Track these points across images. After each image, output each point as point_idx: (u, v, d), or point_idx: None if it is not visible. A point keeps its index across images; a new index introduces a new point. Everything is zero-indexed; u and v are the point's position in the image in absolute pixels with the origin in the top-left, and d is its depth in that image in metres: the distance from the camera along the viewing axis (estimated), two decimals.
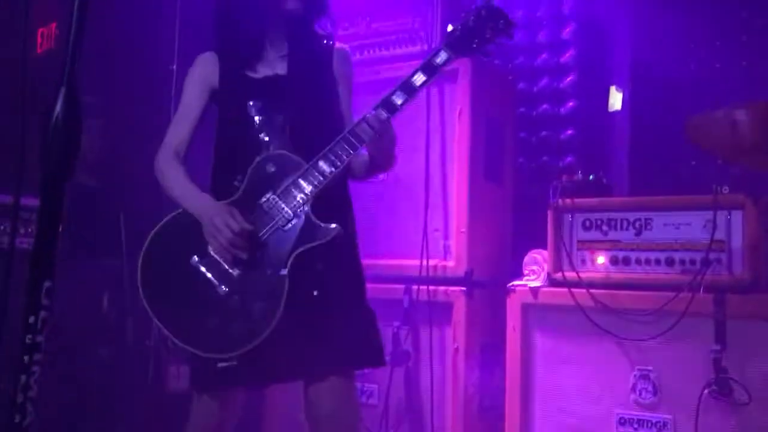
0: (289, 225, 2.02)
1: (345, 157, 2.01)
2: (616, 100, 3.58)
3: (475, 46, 2.06)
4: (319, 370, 2.08)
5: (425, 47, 3.19)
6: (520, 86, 3.76)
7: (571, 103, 3.69)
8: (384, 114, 2.01)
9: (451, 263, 3.03)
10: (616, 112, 3.59)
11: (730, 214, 2.53)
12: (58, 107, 1.10)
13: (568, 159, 3.66)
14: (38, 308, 1.07)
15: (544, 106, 3.75)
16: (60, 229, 1.09)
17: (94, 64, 3.52)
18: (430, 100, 3.13)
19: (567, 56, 3.72)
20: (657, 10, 3.56)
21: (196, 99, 2.19)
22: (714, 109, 2.25)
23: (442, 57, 2.05)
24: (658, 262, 2.64)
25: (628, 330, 2.60)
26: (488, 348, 3.00)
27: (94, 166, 3.48)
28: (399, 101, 2.03)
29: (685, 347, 2.52)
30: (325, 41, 2.27)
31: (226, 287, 2.02)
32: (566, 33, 3.74)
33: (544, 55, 3.78)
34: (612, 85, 3.61)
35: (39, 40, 3.66)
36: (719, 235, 2.53)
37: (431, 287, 2.99)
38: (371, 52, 3.35)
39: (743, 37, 3.59)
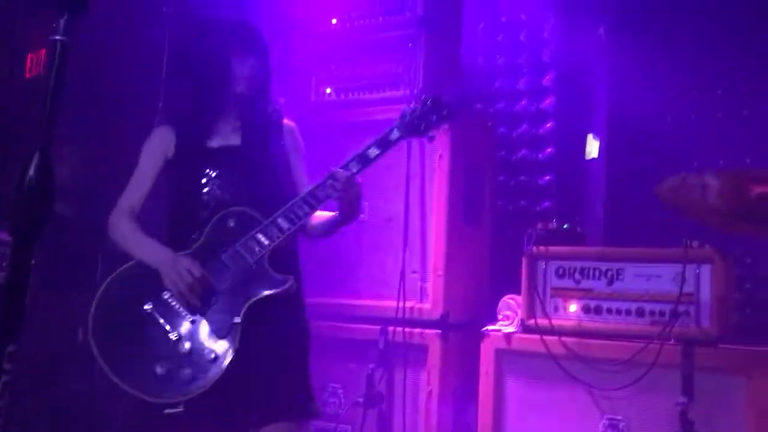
0: (246, 276, 2.15)
1: (303, 215, 2.20)
2: (593, 147, 3.66)
3: (422, 128, 2.35)
4: (265, 421, 2.15)
5: (407, 92, 3.26)
6: (500, 131, 3.83)
7: (549, 149, 3.77)
8: (346, 172, 2.23)
9: (427, 305, 3.06)
10: (592, 160, 3.67)
11: (699, 268, 2.59)
12: (32, 171, 1.13)
13: (546, 204, 3.72)
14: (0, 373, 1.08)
15: (523, 151, 3.83)
16: (28, 285, 1.11)
17: (79, 94, 3.58)
18: (411, 144, 3.18)
19: (546, 103, 3.81)
20: (635, 61, 3.66)
21: (151, 167, 2.37)
22: (686, 170, 2.31)
23: (394, 135, 2.34)
24: (628, 312, 2.69)
25: (598, 379, 2.64)
26: (462, 391, 3.02)
27: (74, 196, 3.50)
28: (354, 169, 2.27)
29: (653, 398, 2.56)
30: (275, 116, 2.48)
31: (177, 334, 2.11)
32: (546, 80, 3.82)
33: (523, 102, 3.86)
34: (589, 133, 3.69)
35: (28, 65, 3.70)
36: (688, 288, 2.58)
37: (407, 329, 3.02)
38: (355, 94, 3.41)
39: (719, 90, 3.70)
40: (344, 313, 3.21)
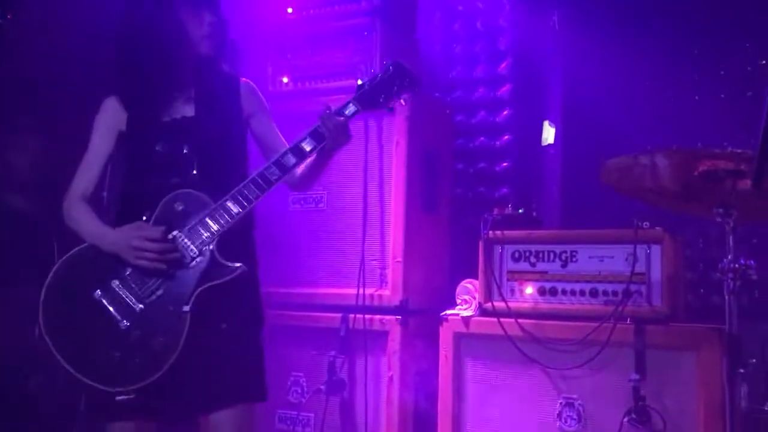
0: (194, 263, 2.08)
1: (253, 199, 2.10)
2: (549, 134, 3.71)
3: (381, 100, 2.21)
4: (216, 406, 2.12)
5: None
6: (458, 119, 3.86)
7: (506, 137, 3.81)
8: (292, 159, 2.14)
9: (387, 292, 3.09)
10: (549, 146, 3.72)
11: (649, 248, 2.65)
12: None
13: (504, 190, 3.77)
14: None
15: (481, 138, 3.86)
16: None
17: (37, 81, 3.51)
18: (369, 132, 3.20)
19: (503, 91, 3.85)
20: (589, 48, 3.71)
21: (103, 144, 2.25)
22: (632, 152, 2.35)
23: (350, 109, 2.19)
24: (582, 293, 2.74)
25: (554, 359, 2.69)
26: (422, 376, 3.05)
27: (29, 187, 3.44)
28: (308, 148, 2.16)
29: (607, 376, 2.62)
30: (231, 80, 2.34)
31: (127, 322, 2.07)
32: (502, 68, 3.86)
33: (481, 90, 3.89)
34: (545, 119, 3.74)
35: None
36: (639, 267, 2.64)
37: (367, 316, 3.04)
38: (311, 83, 3.41)
39: (670, 76, 3.77)
40: (305, 302, 3.22)
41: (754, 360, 2.08)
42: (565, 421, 2.66)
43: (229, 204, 2.09)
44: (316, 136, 2.16)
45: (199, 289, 2.06)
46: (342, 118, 2.15)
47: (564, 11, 3.79)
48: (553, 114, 3.76)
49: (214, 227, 2.08)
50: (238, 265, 2.09)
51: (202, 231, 2.08)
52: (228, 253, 2.10)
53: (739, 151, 1.86)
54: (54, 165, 3.47)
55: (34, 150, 3.51)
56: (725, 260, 1.79)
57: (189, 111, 2.24)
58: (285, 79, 3.49)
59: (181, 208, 2.10)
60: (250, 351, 2.23)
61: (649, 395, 2.51)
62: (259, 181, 2.11)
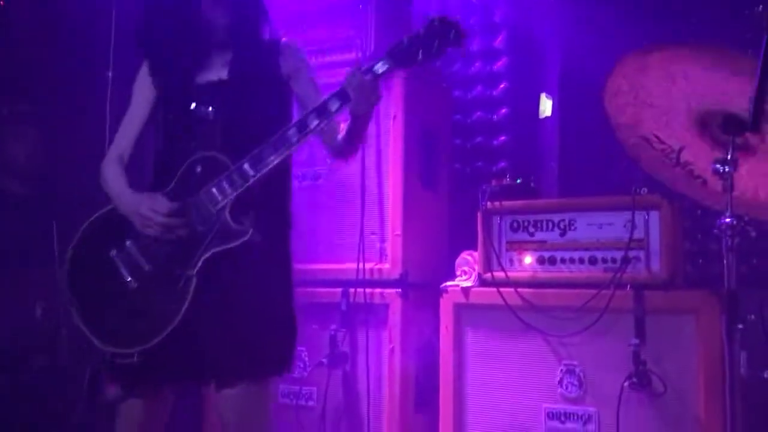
0: (206, 226, 2.04)
1: (270, 161, 2.03)
2: (546, 107, 3.70)
3: (420, 57, 1.98)
4: (228, 375, 2.07)
5: (360, 54, 3.26)
6: (455, 94, 3.85)
7: (503, 110, 3.81)
8: (315, 120, 2.03)
9: (386, 266, 3.10)
10: (546, 119, 3.71)
11: (648, 214, 2.66)
12: None
13: (502, 164, 3.77)
14: None
15: (478, 113, 3.86)
16: None
17: (30, 70, 3.52)
18: None
19: (499, 64, 3.84)
20: (586, 20, 3.70)
21: (139, 107, 2.26)
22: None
23: (381, 66, 2.02)
24: (581, 261, 2.75)
25: (554, 327, 2.71)
26: (423, 347, 3.07)
27: (27, 173, 3.45)
28: (333, 108, 2.05)
29: (607, 342, 2.63)
30: (269, 44, 2.29)
31: (135, 283, 2.07)
32: (498, 41, 3.85)
33: (477, 64, 3.89)
34: (542, 92, 3.73)
35: None
36: (638, 234, 2.65)
37: (367, 290, 3.05)
38: (309, 59, 3.39)
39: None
40: (305, 277, 3.21)
41: (752, 316, 2.09)
42: (566, 388, 2.67)
43: (246, 166, 2.02)
44: (341, 95, 2.03)
45: (208, 252, 2.02)
46: (369, 77, 1.99)
47: None
48: (550, 86, 3.76)
49: (229, 190, 2.03)
50: (247, 229, 2.03)
51: (217, 194, 2.04)
52: (244, 218, 2.05)
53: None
54: (51, 150, 3.49)
55: (33, 136, 3.52)
56: (723, 217, 1.79)
57: (224, 74, 2.20)
58: None
59: (200, 170, 2.07)
60: (270, 320, 2.14)
61: (650, 360, 2.52)
62: (278, 143, 2.03)
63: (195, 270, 2.02)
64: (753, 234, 1.78)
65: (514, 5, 3.83)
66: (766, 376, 2.53)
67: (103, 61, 3.27)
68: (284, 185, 2.28)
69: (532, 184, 3.02)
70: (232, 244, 2.03)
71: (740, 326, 1.71)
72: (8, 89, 3.49)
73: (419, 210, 3.20)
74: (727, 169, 1.73)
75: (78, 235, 2.15)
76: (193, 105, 2.15)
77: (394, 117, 3.15)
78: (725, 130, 1.88)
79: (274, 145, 2.04)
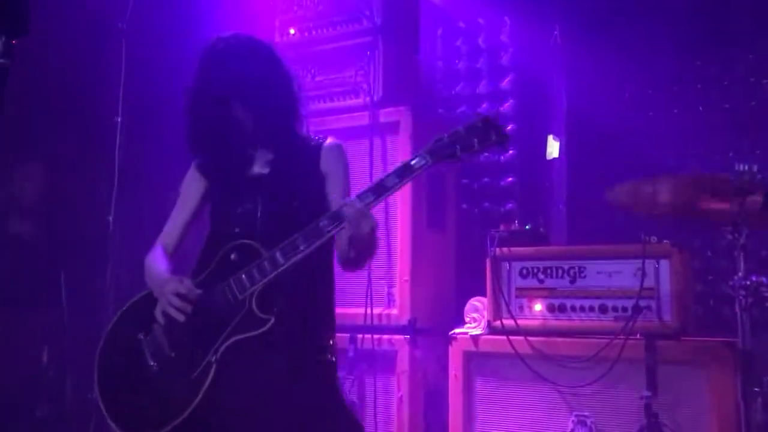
0: (232, 312, 2.00)
1: (302, 249, 1.96)
2: (553, 148, 3.71)
3: (458, 153, 1.94)
4: None
5: (367, 99, 3.28)
6: None
7: (511, 151, 3.81)
8: (358, 202, 1.95)
9: (394, 311, 3.08)
10: (554, 160, 3.72)
11: (658, 263, 2.64)
12: None
13: (509, 205, 3.76)
14: None
15: (486, 153, 3.86)
16: None
17: (38, 112, 3.55)
18: (373, 151, 3.21)
19: (506, 106, 3.85)
20: (591, 61, 3.72)
21: (185, 204, 2.31)
22: (644, 167, 2.34)
23: (418, 162, 1.95)
24: (592, 309, 2.73)
25: (565, 376, 2.68)
26: (432, 395, 3.04)
27: (34, 212, 3.46)
28: (368, 200, 1.95)
29: (619, 392, 2.60)
30: (313, 141, 2.29)
31: (157, 366, 2.05)
32: (505, 83, 3.87)
33: (484, 105, 3.90)
34: (549, 134, 3.74)
35: None
36: (648, 282, 2.63)
37: (375, 336, 3.03)
38: (316, 104, 3.41)
39: (674, 87, 3.78)
40: None
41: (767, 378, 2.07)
42: None
43: (278, 255, 1.98)
44: (377, 189, 1.96)
45: (230, 340, 1.98)
46: (359, 205, 1.93)
47: (565, 25, 3.79)
48: (557, 128, 3.76)
49: (258, 277, 1.99)
50: (269, 318, 1.97)
51: (246, 282, 2.00)
52: (270, 306, 2.00)
53: (743, 167, 1.85)
54: (60, 194, 3.50)
55: (40, 178, 3.54)
56: (736, 277, 1.77)
57: (265, 170, 2.22)
58: None
59: (234, 257, 2.05)
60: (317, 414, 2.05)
61: (662, 411, 2.48)
62: (309, 233, 1.98)
63: (215, 357, 1.98)
64: (767, 294, 1.76)
65: (521, 48, 3.86)
66: None
67: (111, 107, 3.29)
68: (323, 277, 2.22)
69: (541, 229, 3.01)
70: (253, 333, 1.98)
71: (756, 389, 1.67)
72: (21, 131, 3.52)
73: (427, 253, 3.19)
74: (737, 234, 1.71)
75: (116, 317, 2.17)
76: (236, 201, 2.17)
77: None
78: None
79: (305, 235, 1.99)
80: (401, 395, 2.96)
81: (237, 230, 2.12)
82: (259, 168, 2.23)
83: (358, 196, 1.96)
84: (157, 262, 2.20)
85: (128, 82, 3.28)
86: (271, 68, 2.23)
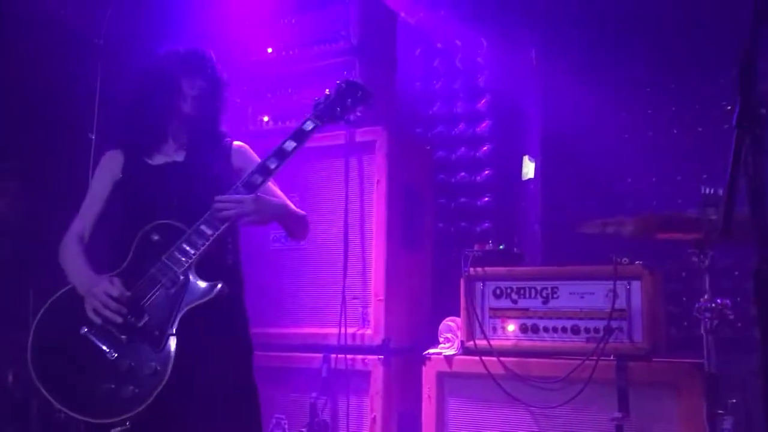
0: (175, 287, 2.14)
1: (227, 218, 2.18)
2: (529, 169, 3.73)
3: (338, 113, 2.37)
4: None
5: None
6: (439, 154, 3.88)
7: (487, 171, 3.83)
8: (259, 178, 2.22)
9: (368, 331, 3.06)
10: (529, 181, 3.74)
11: (629, 284, 2.65)
12: None
13: (485, 224, 3.77)
14: None
15: (462, 173, 3.88)
16: None
17: (12, 128, 3.51)
18: (349, 170, 3.21)
19: (483, 126, 3.88)
20: (567, 83, 3.76)
21: (99, 192, 2.39)
22: (620, 188, 2.37)
23: (308, 125, 2.33)
24: (564, 330, 2.73)
25: (537, 397, 2.67)
26: (406, 416, 3.02)
27: (4, 232, 3.41)
28: (272, 165, 2.25)
29: (591, 414, 2.60)
30: (224, 138, 2.49)
31: (116, 352, 2.10)
32: (482, 104, 3.90)
33: (461, 125, 3.93)
34: (525, 154, 3.77)
35: None
36: (620, 303, 2.64)
37: (349, 356, 3.01)
38: (292, 122, 3.40)
39: (649, 110, 3.82)
40: (285, 342, 3.19)
41: (734, 400, 2.07)
42: None
43: (204, 227, 2.17)
44: (279, 154, 2.27)
45: (182, 311, 2.11)
46: (243, 192, 2.21)
47: (541, 48, 3.84)
48: (533, 149, 3.79)
49: (191, 251, 2.15)
50: (217, 284, 2.14)
51: (180, 256, 2.15)
52: (208, 275, 2.16)
53: (694, 216, 1.87)
54: (32, 213, 3.46)
55: (14, 196, 3.50)
56: (702, 300, 1.78)
57: (180, 156, 2.39)
58: (265, 118, 3.50)
59: (157, 238, 2.19)
60: (242, 389, 2.26)
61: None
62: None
63: (174, 329, 2.09)
64: (731, 316, 1.77)
65: (497, 70, 3.89)
66: None
67: (86, 123, 3.28)
68: (236, 244, 2.38)
69: (515, 250, 3.02)
70: (204, 300, 2.13)
71: (721, 412, 1.68)
72: None
73: (402, 273, 3.18)
74: (702, 257, 1.73)
75: (37, 323, 2.18)
76: (150, 186, 2.31)
77: (378, 182, 3.15)
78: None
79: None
80: (374, 416, 2.94)
81: (151, 216, 2.23)
82: (173, 153, 2.39)
83: (263, 163, 2.25)
84: (78, 257, 2.26)
85: (103, 99, 3.26)
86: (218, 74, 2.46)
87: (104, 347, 2.10)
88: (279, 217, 2.38)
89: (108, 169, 2.40)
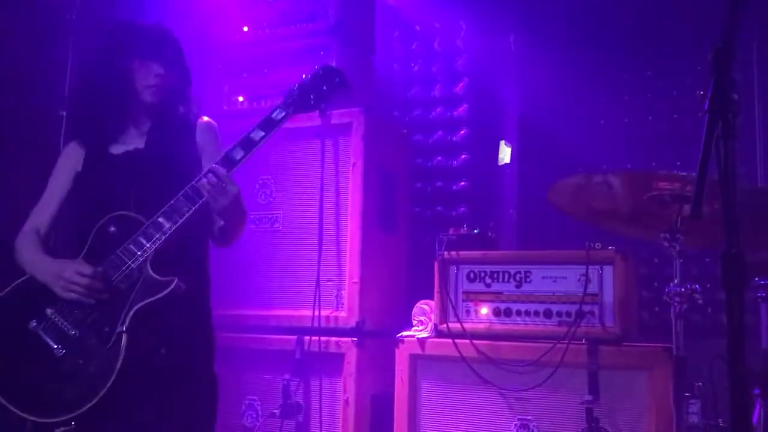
0: (129, 282, 2.05)
1: (185, 211, 2.07)
2: (505, 154, 3.74)
3: (312, 102, 2.21)
4: None
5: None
6: (416, 138, 3.87)
7: (463, 156, 3.83)
8: (222, 169, 2.08)
9: (343, 314, 3.06)
10: (505, 166, 3.75)
11: (602, 269, 2.67)
12: None
13: (461, 209, 3.78)
14: None
15: (438, 158, 3.88)
16: None
17: None
18: (325, 153, 3.18)
19: (460, 110, 3.87)
20: (544, 68, 3.76)
21: (59, 185, 2.29)
22: (586, 173, 2.37)
23: (278, 114, 2.19)
24: (537, 313, 2.75)
25: (509, 380, 2.69)
26: (379, 398, 3.03)
27: None
28: (238, 156, 2.13)
29: (562, 397, 2.63)
30: (187, 117, 2.37)
31: (63, 349, 2.03)
32: (459, 88, 3.89)
33: (438, 109, 3.92)
34: (502, 139, 3.77)
35: None
36: (592, 288, 2.66)
37: (323, 338, 3.00)
38: (268, 102, 3.38)
39: (625, 97, 3.85)
40: (259, 323, 3.18)
41: (700, 383, 2.10)
42: None
43: (161, 219, 2.07)
44: (245, 144, 2.15)
45: (135, 307, 2.02)
46: (218, 177, 2.08)
47: (520, 33, 3.84)
48: (510, 134, 3.80)
49: (147, 244, 2.06)
50: (171, 280, 2.04)
51: (135, 249, 2.06)
52: (167, 270, 2.07)
53: (684, 174, 1.89)
54: (5, 217, 3.39)
55: None
56: (672, 284, 1.80)
57: (141, 143, 2.27)
58: (240, 98, 3.47)
59: (113, 229, 2.10)
60: (198, 382, 2.18)
61: (603, 416, 2.52)
62: (190, 193, 2.08)
63: (124, 327, 2.00)
64: (700, 301, 1.79)
65: (475, 54, 3.88)
66: (720, 423, 2.54)
67: (56, 100, 3.21)
68: (201, 236, 2.29)
69: (490, 234, 3.02)
70: (158, 296, 2.04)
71: (687, 394, 1.70)
72: None
73: (377, 255, 3.17)
74: (673, 242, 1.74)
75: None
76: (108, 176, 2.21)
77: (354, 164, 3.14)
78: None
79: (186, 196, 2.09)
80: (347, 397, 2.95)
81: (108, 207, 2.14)
82: (133, 140, 2.28)
83: (227, 154, 2.12)
84: (35, 246, 2.18)
85: (74, 76, 3.20)
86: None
87: (52, 343, 2.03)
88: (233, 207, 2.17)
89: (67, 163, 2.30)
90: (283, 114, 2.19)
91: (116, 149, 2.27)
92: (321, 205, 3.14)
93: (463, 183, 3.82)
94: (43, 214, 2.27)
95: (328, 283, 3.10)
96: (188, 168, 2.26)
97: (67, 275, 2.03)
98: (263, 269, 3.23)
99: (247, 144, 2.14)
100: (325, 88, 2.22)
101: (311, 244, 3.14)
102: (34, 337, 2.04)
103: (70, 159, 2.30)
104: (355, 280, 3.06)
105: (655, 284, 3.60)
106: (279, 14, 3.41)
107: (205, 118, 2.42)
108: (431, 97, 3.95)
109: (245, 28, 3.47)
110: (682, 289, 1.78)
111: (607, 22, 3.75)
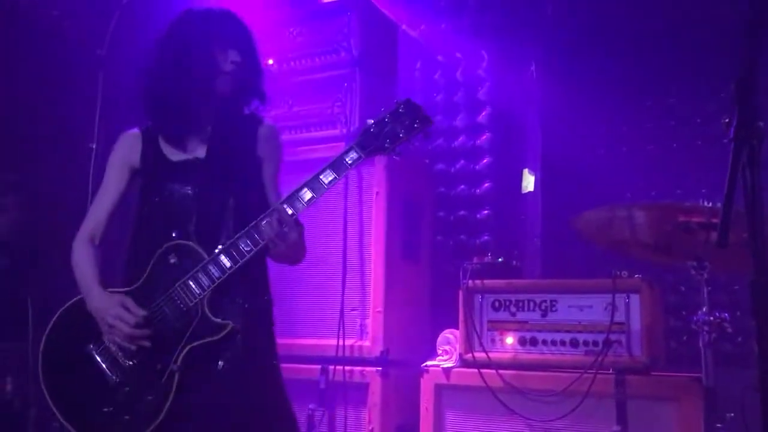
0: (185, 318, 1.99)
1: (247, 252, 1.97)
2: (528, 182, 3.74)
3: (387, 145, 2.01)
4: None
5: (344, 130, 3.29)
6: (438, 167, 3.89)
7: (486, 184, 3.84)
8: (287, 213, 1.97)
9: (367, 343, 3.06)
10: (529, 194, 3.74)
11: (628, 297, 2.65)
12: None
13: (485, 237, 3.77)
14: None
15: (462, 186, 3.89)
16: None
17: (14, 138, 3.52)
18: (348, 182, 3.21)
19: (482, 139, 3.89)
20: (566, 96, 3.77)
21: (114, 181, 2.18)
22: (611, 200, 2.36)
23: (352, 156, 2.01)
24: (563, 343, 2.72)
25: (535, 410, 2.66)
26: (403, 428, 3.00)
27: (7, 244, 3.42)
28: (306, 197, 1.99)
29: (589, 427, 2.59)
30: (251, 122, 2.25)
31: (117, 378, 2.01)
32: (482, 117, 3.91)
33: (461, 138, 3.94)
34: (525, 167, 3.77)
35: None
36: (619, 317, 2.64)
37: (347, 367, 3.00)
38: (292, 133, 3.43)
39: (648, 125, 3.83)
40: (283, 353, 3.15)
41: (732, 414, 2.06)
42: None
43: (223, 258, 1.97)
44: (314, 185, 2.00)
45: (187, 347, 1.97)
46: (282, 221, 1.96)
47: (542, 61, 3.85)
48: (533, 162, 3.80)
49: (206, 282, 1.97)
50: (227, 323, 1.97)
51: (195, 288, 1.98)
52: (224, 308, 2.00)
53: (710, 205, 1.88)
54: (33, 223, 3.46)
55: (15, 208, 3.50)
56: (700, 312, 1.78)
57: (202, 152, 2.14)
58: None
59: (174, 260, 2.02)
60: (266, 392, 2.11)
61: None
62: (254, 233, 1.97)
63: (176, 365, 1.96)
64: (729, 330, 1.77)
65: (497, 83, 3.90)
66: None
67: (87, 133, 3.28)
68: (262, 267, 2.21)
69: (514, 262, 3.02)
70: (211, 339, 1.98)
71: (719, 425, 1.67)
72: None
73: (401, 284, 3.18)
74: (700, 270, 1.73)
75: (51, 326, 2.09)
76: (170, 184, 2.10)
77: (377, 193, 3.16)
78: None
79: (250, 236, 1.98)
80: (372, 428, 2.93)
81: (170, 222, 2.05)
82: (194, 147, 2.15)
83: (295, 194, 1.98)
84: (90, 267, 2.09)
85: (104, 109, 3.26)
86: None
87: (107, 369, 2.01)
88: (291, 252, 2.06)
89: (124, 156, 2.17)
90: (356, 157, 2.00)
91: (175, 156, 2.14)
92: (344, 235, 3.15)
93: (486, 211, 3.82)
94: (98, 213, 2.16)
95: (352, 312, 3.11)
96: (251, 180, 2.16)
97: (110, 320, 1.97)
98: (288, 298, 3.24)
99: (316, 187, 1.99)
100: (402, 131, 2.01)
101: (335, 273, 3.15)
102: (90, 360, 2.02)
103: (126, 152, 2.17)
104: (379, 309, 3.06)
105: (683, 312, 3.55)
106: (303, 47, 3.47)
107: (268, 125, 2.28)
108: (454, 127, 3.97)
109: (270, 61, 3.53)
110: (711, 318, 1.76)
111: (630, 51, 3.76)
